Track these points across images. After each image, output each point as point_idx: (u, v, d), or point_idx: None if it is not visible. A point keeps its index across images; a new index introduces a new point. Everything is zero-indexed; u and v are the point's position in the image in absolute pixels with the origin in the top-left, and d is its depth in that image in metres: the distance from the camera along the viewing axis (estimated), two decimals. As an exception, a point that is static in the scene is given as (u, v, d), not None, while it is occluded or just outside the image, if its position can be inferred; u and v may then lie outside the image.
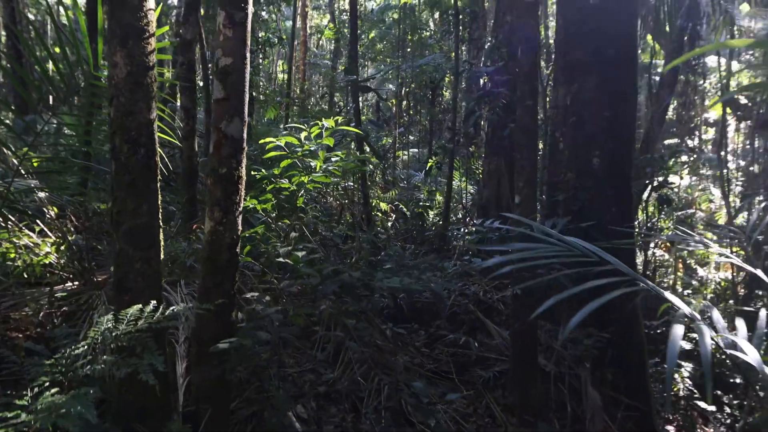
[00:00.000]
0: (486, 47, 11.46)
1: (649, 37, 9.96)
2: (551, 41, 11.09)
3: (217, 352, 3.32)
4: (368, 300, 4.15)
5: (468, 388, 5.33)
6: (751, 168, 10.24)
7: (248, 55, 3.60)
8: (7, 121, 6.10)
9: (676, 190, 9.99)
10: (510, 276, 6.57)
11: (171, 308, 2.89)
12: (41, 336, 4.38)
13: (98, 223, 5.98)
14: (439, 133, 12.69)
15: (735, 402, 7.34)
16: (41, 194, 5.43)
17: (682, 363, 7.34)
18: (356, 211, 7.13)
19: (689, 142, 10.83)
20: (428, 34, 13.98)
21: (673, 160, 8.46)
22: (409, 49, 13.47)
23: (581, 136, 5.71)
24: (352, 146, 6.32)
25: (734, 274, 9.15)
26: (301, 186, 4.21)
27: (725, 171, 8.70)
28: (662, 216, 9.63)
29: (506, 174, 7.40)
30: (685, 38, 8.21)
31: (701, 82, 10.76)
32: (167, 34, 12.16)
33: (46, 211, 5.45)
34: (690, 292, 9.84)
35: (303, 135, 4.29)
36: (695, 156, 10.98)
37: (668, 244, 10.12)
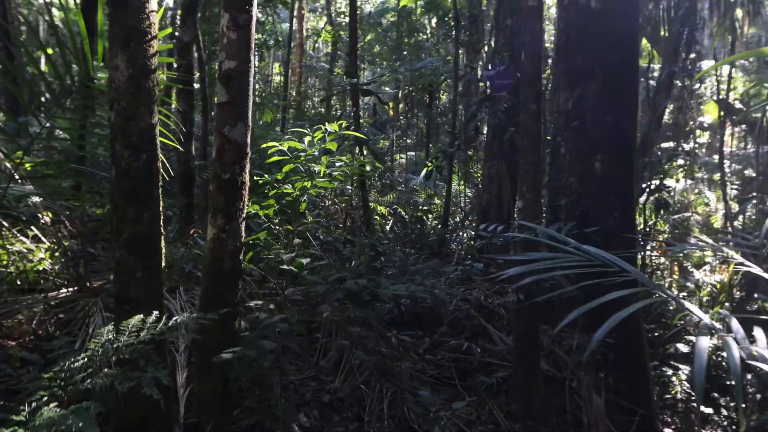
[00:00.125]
0: (483, 51, 11.44)
1: (644, 41, 9.95)
2: (547, 45, 11.06)
3: (220, 362, 3.24)
4: (372, 307, 4.08)
5: (471, 394, 5.27)
6: (745, 171, 10.24)
7: (252, 58, 3.53)
8: (-1, 124, 6.01)
9: (672, 193, 9.97)
10: (513, 281, 6.56)
11: (174, 318, 2.81)
12: (36, 345, 4.30)
13: (94, 228, 5.88)
14: (436, 137, 12.66)
15: (732, 404, 7.33)
16: (35, 199, 5.34)
17: (680, 366, 7.33)
18: (355, 215, 7.06)
19: (685, 145, 10.84)
20: (426, 37, 13.95)
21: (670, 163, 8.45)
22: (405, 53, 13.43)
23: (583, 141, 5.67)
24: (356, 150, 6.26)
25: (731, 277, 9.13)
26: (303, 191, 4.14)
27: (720, 174, 8.70)
28: (659, 219, 9.61)
29: (507, 178, 7.35)
30: (682, 43, 8.20)
31: (697, 86, 10.77)
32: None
33: (40, 216, 5.36)
34: (685, 294, 9.83)
35: (306, 139, 4.22)
36: (691, 159, 10.99)
37: (665, 246, 10.10)
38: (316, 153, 4.20)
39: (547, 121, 6.49)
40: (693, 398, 7.11)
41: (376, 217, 8.03)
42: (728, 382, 7.54)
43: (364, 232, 6.15)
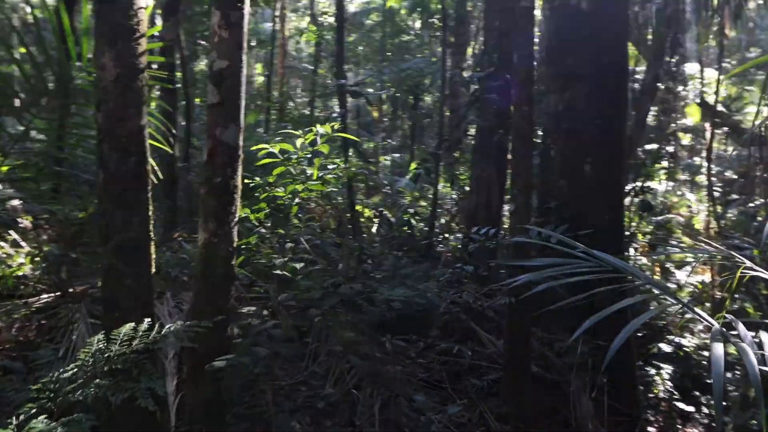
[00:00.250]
0: (469, 52, 11.44)
1: (629, 44, 9.99)
2: (535, 48, 11.06)
3: (212, 370, 3.16)
4: (365, 312, 4.01)
5: (461, 397, 5.25)
6: (726, 173, 10.35)
7: (245, 58, 3.44)
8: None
9: (655, 195, 10.04)
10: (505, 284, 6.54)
11: (167, 326, 2.72)
12: (18, 353, 4.17)
13: (75, 232, 5.74)
14: (421, 138, 12.62)
15: (713, 402, 7.39)
16: (14, 202, 5.20)
17: (662, 365, 7.38)
18: (342, 217, 6.99)
19: (669, 148, 10.92)
20: (410, 38, 13.89)
21: (655, 165, 8.50)
22: (389, 54, 13.38)
23: (573, 144, 5.65)
24: (350, 153, 6.19)
25: (713, 277, 9.21)
26: (294, 194, 4.06)
27: (707, 177, 8.77)
28: (642, 221, 9.65)
29: (497, 181, 7.32)
30: (667, 46, 8.25)
31: (681, 88, 10.86)
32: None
33: (19, 220, 5.22)
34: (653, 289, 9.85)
35: (298, 142, 4.14)
36: (674, 161, 11.07)
37: (647, 247, 10.16)
38: (309, 156, 4.12)
39: (537, 123, 6.47)
40: (675, 397, 7.16)
41: (362, 219, 7.96)
42: (709, 381, 7.61)
43: (352, 235, 6.08)
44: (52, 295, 4.90)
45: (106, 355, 2.57)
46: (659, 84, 9.39)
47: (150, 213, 3.23)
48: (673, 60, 8.53)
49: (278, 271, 3.84)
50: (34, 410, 2.37)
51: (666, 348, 7.49)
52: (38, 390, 2.47)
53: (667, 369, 7.34)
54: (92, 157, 6.09)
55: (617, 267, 2.01)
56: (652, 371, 6.98)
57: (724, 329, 2.12)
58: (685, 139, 12.69)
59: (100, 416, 2.94)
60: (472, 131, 7.89)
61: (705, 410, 7.21)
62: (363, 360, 4.16)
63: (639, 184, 8.20)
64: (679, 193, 11.20)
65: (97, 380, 2.51)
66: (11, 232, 5.14)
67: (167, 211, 6.51)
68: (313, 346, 4.75)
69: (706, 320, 1.96)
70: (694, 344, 7.77)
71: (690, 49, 11.24)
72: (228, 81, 3.41)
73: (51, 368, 3.90)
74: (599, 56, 5.56)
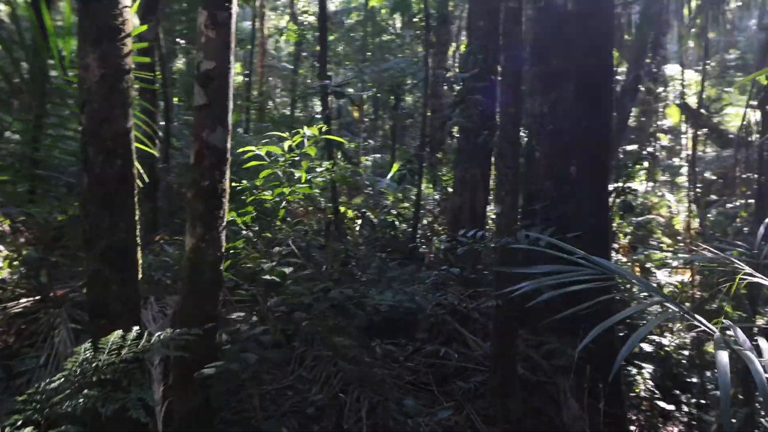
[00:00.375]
0: (451, 52, 11.43)
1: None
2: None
3: (201, 377, 3.09)
4: (355, 316, 3.96)
5: (448, 399, 5.24)
6: (705, 174, 10.48)
7: (232, 58, 3.38)
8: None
9: (635, 196, 10.13)
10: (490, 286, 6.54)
11: (156, 335, 2.65)
12: (-2, 359, 4.07)
13: (54, 235, 5.62)
14: (402, 139, 12.59)
15: (693, 401, 7.48)
16: (-10, 205, 5.08)
17: (643, 364, 7.45)
18: (326, 218, 6.93)
19: (649, 148, 11.02)
20: (392, 37, 13.83)
21: (636, 166, 8.56)
22: (369, 53, 13.31)
23: (559, 145, 5.65)
24: (337, 155, 6.14)
25: (692, 277, 9.32)
26: (282, 197, 4.00)
27: (688, 178, 8.86)
28: (623, 222, 9.74)
29: (481, 182, 7.31)
30: (648, 47, 8.31)
31: (661, 90, 10.96)
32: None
33: (-5, 223, 5.10)
34: (646, 294, 9.97)
35: (286, 144, 4.07)
36: (653, 162, 11.17)
37: (627, 247, 10.26)
38: (297, 158, 4.06)
39: (521, 124, 6.47)
40: (657, 396, 7.24)
41: (346, 221, 7.91)
42: (688, 380, 7.70)
43: (337, 237, 6.03)
44: (32, 299, 4.79)
45: (94, 364, 2.50)
46: (640, 85, 9.46)
47: (136, 216, 3.16)
48: (654, 61, 8.60)
49: (267, 276, 3.78)
50: (20, 422, 2.29)
51: (647, 347, 7.57)
52: (24, 401, 2.40)
53: (648, 368, 7.41)
54: (69, 158, 5.99)
55: (620, 274, 1.99)
56: (634, 371, 7.05)
57: (721, 334, 2.12)
58: (665, 140, 12.82)
59: (89, 428, 2.87)
60: (456, 131, 7.86)
61: (685, 408, 7.31)
62: (351, 364, 4.12)
63: (620, 184, 8.25)
64: (659, 193, 11.31)
65: (86, 391, 2.44)
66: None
67: (148, 213, 6.40)
68: (300, 350, 4.70)
69: (707, 327, 1.95)
70: (674, 344, 7.86)
71: (670, 50, 11.35)
72: (215, 82, 3.34)
73: (33, 375, 3.82)
74: (585, 57, 5.56)
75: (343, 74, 14.33)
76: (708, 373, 7.30)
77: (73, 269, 5.65)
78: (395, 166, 10.42)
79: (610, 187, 8.24)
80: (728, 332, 2.11)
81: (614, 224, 9.50)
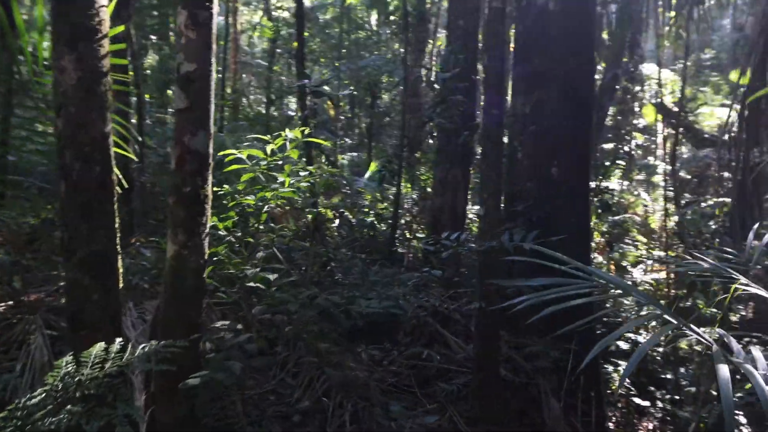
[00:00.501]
0: (428, 50, 11.39)
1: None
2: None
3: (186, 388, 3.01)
4: (338, 322, 3.90)
5: (431, 401, 5.22)
6: (681, 173, 10.60)
7: (214, 60, 3.29)
8: None
9: (612, 195, 10.21)
10: (471, 286, 6.52)
11: (141, 347, 2.56)
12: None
13: (27, 238, 5.46)
14: (378, 137, 12.52)
15: (667, 397, 7.57)
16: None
17: (619, 362, 7.52)
18: (303, 219, 6.83)
19: (626, 147, 11.11)
20: (368, 34, 13.73)
21: (613, 165, 8.62)
22: (344, 50, 13.20)
23: (541, 146, 5.64)
24: (323, 159, 6.06)
25: (667, 276, 9.41)
26: (264, 201, 3.91)
27: (664, 177, 8.94)
28: (600, 220, 9.80)
29: (462, 183, 7.28)
30: (626, 47, 8.35)
31: (638, 89, 11.05)
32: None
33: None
34: (621, 291, 10.04)
35: (269, 148, 3.98)
36: (630, 161, 11.27)
37: (601, 246, 10.33)
38: (279, 162, 3.98)
39: (504, 124, 6.45)
40: (632, 393, 7.31)
41: (326, 223, 7.82)
42: (663, 376, 7.79)
43: (319, 240, 5.95)
44: (5, 304, 4.66)
45: (77, 379, 2.41)
46: (617, 84, 9.52)
47: (116, 224, 3.06)
48: (631, 61, 8.65)
49: (251, 283, 3.69)
50: (0, 440, 2.20)
51: (623, 345, 7.63)
52: (4, 418, 2.30)
53: (624, 365, 7.47)
54: (39, 159, 5.82)
55: (617, 286, 1.97)
56: (610, 368, 7.10)
57: (717, 345, 2.11)
58: (640, 139, 12.94)
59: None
60: (435, 131, 7.81)
61: (660, 404, 7.39)
62: (335, 369, 4.06)
63: (597, 183, 8.30)
64: (635, 192, 11.40)
65: (69, 407, 2.35)
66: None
67: (124, 216, 6.25)
68: (283, 354, 4.63)
69: (703, 339, 1.93)
70: (656, 340, 7.92)
71: (646, 50, 11.44)
72: (196, 84, 3.24)
73: (8, 384, 3.70)
74: (567, 57, 5.54)
75: (318, 71, 14.20)
76: (682, 370, 7.37)
77: (47, 273, 5.51)
78: (373, 165, 10.34)
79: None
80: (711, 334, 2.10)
81: (591, 223, 9.56)
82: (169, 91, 10.93)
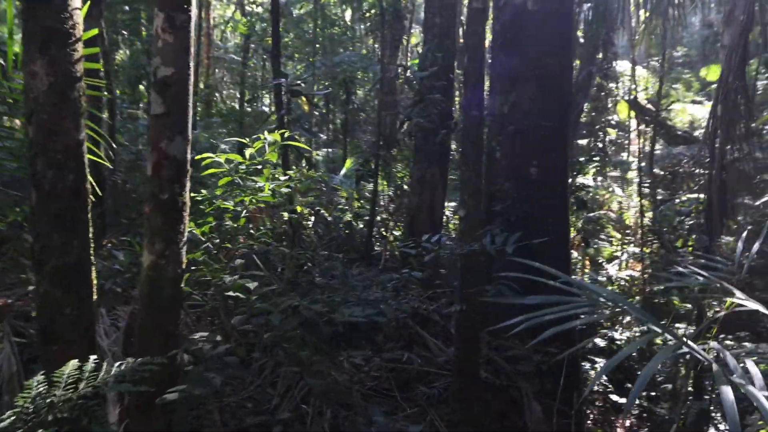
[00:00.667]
0: (403, 47, 11.32)
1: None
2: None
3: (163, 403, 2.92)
4: (320, 329, 3.83)
5: (411, 405, 5.18)
6: (653, 170, 10.70)
7: (191, 63, 3.18)
8: None
9: (587, 192, 10.27)
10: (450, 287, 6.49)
11: (117, 365, 2.47)
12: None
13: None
14: (353, 133, 12.43)
15: (644, 393, 7.65)
16: None
17: (596, 359, 7.58)
18: (279, 218, 6.73)
19: (599, 143, 11.20)
20: (342, 30, 13.61)
21: (588, 162, 8.66)
22: (318, 46, 13.07)
23: (519, 146, 5.61)
24: (303, 163, 5.97)
25: (642, 272, 9.51)
26: (242, 206, 3.82)
27: (638, 173, 9.02)
28: (576, 217, 9.85)
29: (440, 182, 7.24)
30: (600, 44, 8.38)
31: (613, 86, 11.14)
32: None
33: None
34: (619, 309, 10.08)
35: (248, 152, 3.89)
36: (604, 157, 11.34)
37: (577, 242, 10.41)
38: (259, 166, 3.89)
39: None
40: (609, 390, 7.37)
41: (301, 219, 7.72)
42: (639, 372, 7.88)
43: (297, 242, 5.86)
44: (-32, 311, 4.49)
45: (49, 400, 2.31)
46: (592, 82, 9.56)
47: (90, 234, 2.95)
48: (605, 58, 8.69)
49: (230, 293, 3.60)
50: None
51: (600, 342, 7.69)
52: (-29, 444, 2.20)
53: (601, 363, 7.52)
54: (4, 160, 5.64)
55: (615, 301, 1.94)
56: (587, 366, 7.14)
57: (713, 358, 2.09)
58: (613, 135, 13.05)
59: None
60: (412, 129, 7.75)
61: (637, 401, 7.46)
62: (316, 377, 3.99)
63: (572, 180, 8.33)
64: (609, 189, 11.50)
65: (40, 431, 2.25)
66: None
67: (96, 219, 6.08)
68: (261, 361, 4.55)
69: (702, 356, 1.91)
70: (625, 337, 8.00)
71: (619, 46, 11.52)
72: (173, 89, 3.15)
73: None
74: (545, 57, 5.52)
75: (292, 66, 14.05)
76: (659, 366, 7.44)
77: (16, 276, 5.34)
78: (348, 162, 10.27)
79: (564, 183, 8.33)
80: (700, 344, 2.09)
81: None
82: (141, 87, 10.71)
